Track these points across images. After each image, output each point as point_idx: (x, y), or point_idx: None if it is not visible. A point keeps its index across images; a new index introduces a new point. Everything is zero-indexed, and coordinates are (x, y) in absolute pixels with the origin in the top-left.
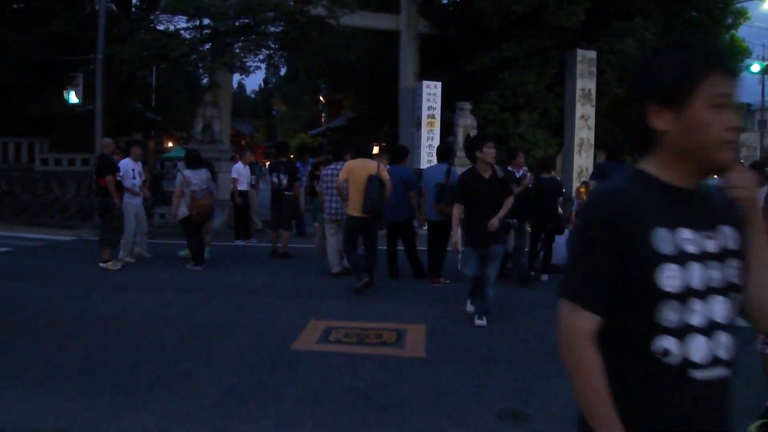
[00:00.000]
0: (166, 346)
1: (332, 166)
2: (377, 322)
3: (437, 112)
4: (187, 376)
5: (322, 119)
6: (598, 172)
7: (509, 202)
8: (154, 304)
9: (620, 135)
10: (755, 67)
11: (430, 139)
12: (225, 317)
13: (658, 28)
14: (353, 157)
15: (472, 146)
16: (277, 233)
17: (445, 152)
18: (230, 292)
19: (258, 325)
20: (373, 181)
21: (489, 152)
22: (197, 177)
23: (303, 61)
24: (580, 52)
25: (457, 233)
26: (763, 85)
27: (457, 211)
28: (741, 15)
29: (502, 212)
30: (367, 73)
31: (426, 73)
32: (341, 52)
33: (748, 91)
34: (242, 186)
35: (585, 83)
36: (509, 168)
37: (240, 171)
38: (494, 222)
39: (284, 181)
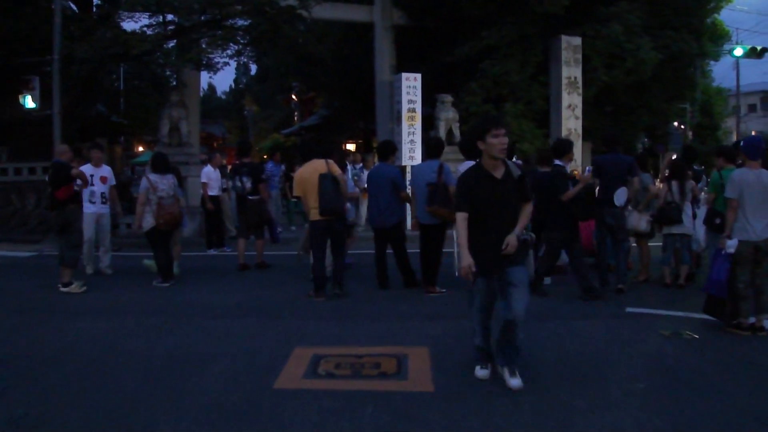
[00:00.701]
0: (123, 391)
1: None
2: (372, 345)
3: (418, 106)
4: None
5: (295, 118)
6: (597, 166)
7: (528, 210)
8: (113, 333)
9: (608, 125)
10: (738, 51)
11: (411, 134)
12: (194, 348)
13: (643, 11)
14: (302, 162)
15: (472, 135)
16: (244, 243)
17: (436, 146)
18: (201, 314)
19: (233, 357)
20: (325, 179)
21: (497, 142)
22: (164, 182)
23: (274, 58)
24: (564, 38)
25: (467, 255)
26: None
27: (462, 224)
28: None
29: (520, 226)
30: (341, 68)
31: (403, 65)
32: (314, 46)
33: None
34: (213, 191)
35: (571, 71)
36: (557, 162)
37: (210, 175)
38: (512, 240)
39: (248, 185)
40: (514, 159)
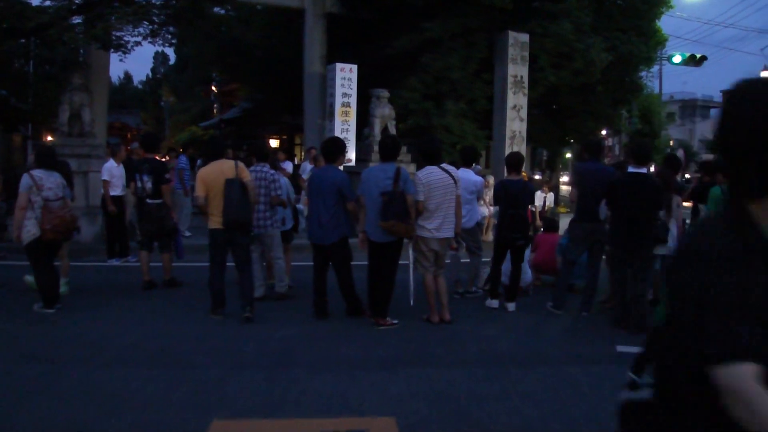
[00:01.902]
0: None
1: (256, 167)
2: (317, 415)
3: (353, 100)
4: None
5: (215, 111)
6: (578, 175)
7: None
8: None
9: (552, 129)
10: (677, 59)
11: (345, 130)
12: (65, 426)
13: (591, 10)
14: (207, 160)
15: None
16: (147, 256)
17: (392, 147)
18: (87, 361)
19: None
20: (232, 185)
21: None
22: (51, 180)
23: (194, 45)
24: (511, 34)
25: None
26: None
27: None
28: (663, 3)
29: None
30: (266, 57)
31: (335, 57)
32: (238, 30)
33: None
34: (116, 190)
35: (517, 69)
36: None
37: (112, 171)
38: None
39: (148, 185)
40: (474, 165)
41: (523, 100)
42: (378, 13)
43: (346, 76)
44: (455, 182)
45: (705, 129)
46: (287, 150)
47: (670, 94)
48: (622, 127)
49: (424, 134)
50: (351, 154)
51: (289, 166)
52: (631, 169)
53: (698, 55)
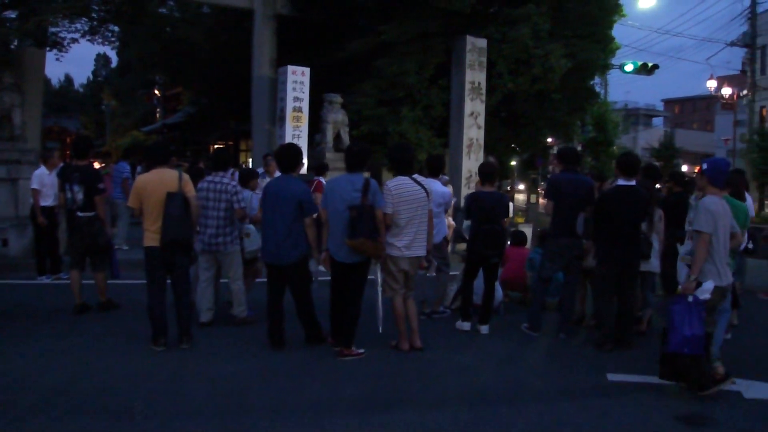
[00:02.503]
0: None
1: (214, 178)
2: None
3: (305, 104)
4: None
5: (157, 115)
6: (554, 187)
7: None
8: None
9: (507, 136)
10: (629, 67)
11: (296, 136)
12: None
13: (548, 16)
14: (148, 167)
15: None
16: (78, 275)
17: (359, 155)
18: None
19: None
20: (174, 200)
21: None
22: None
23: (137, 46)
24: (469, 39)
25: None
26: (606, 87)
27: None
28: (617, 11)
29: None
30: (213, 59)
31: (285, 59)
32: (183, 31)
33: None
34: (47, 200)
35: (475, 75)
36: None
37: (43, 179)
38: None
39: (79, 196)
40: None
41: (480, 107)
42: (330, 15)
43: (297, 80)
44: (427, 195)
45: (649, 137)
46: (233, 157)
47: (613, 102)
48: (576, 135)
49: (392, 141)
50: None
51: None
52: (620, 182)
53: (650, 64)
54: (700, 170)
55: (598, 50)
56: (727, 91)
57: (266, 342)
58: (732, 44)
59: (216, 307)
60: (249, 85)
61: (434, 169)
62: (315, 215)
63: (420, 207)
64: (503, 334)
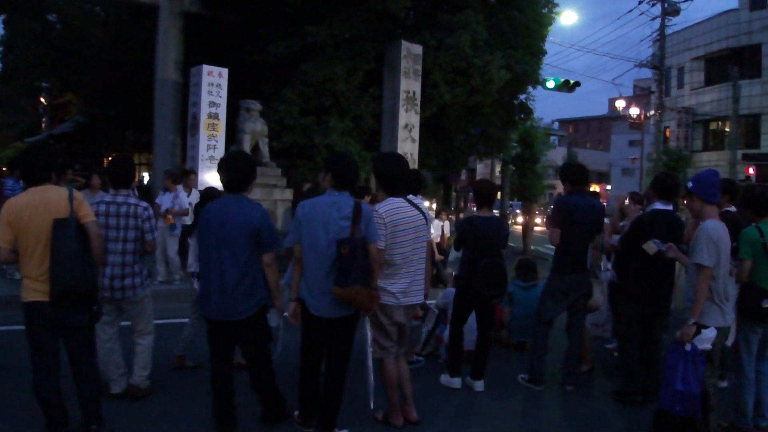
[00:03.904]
0: None
1: (116, 197)
2: None
3: (222, 110)
4: None
5: (43, 125)
6: (564, 212)
7: None
8: None
9: (439, 153)
10: (550, 84)
11: (212, 147)
12: None
13: (485, 25)
14: (28, 184)
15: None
16: None
17: (350, 168)
18: None
19: None
20: (65, 230)
21: None
22: None
23: (22, 50)
24: (405, 44)
25: None
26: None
27: None
28: (549, 23)
29: None
30: (108, 62)
31: (194, 62)
32: (80, 22)
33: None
34: None
35: (410, 84)
36: None
37: None
38: None
39: None
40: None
41: (415, 119)
42: (246, 14)
43: (214, 82)
44: (426, 222)
45: (551, 156)
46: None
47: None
48: (504, 152)
49: (380, 153)
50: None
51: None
52: (658, 206)
53: (572, 81)
54: (687, 192)
55: (534, 63)
56: (635, 111)
57: (211, 424)
58: (641, 65)
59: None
60: (148, 92)
61: (412, 188)
62: (279, 250)
63: (418, 238)
64: (501, 391)
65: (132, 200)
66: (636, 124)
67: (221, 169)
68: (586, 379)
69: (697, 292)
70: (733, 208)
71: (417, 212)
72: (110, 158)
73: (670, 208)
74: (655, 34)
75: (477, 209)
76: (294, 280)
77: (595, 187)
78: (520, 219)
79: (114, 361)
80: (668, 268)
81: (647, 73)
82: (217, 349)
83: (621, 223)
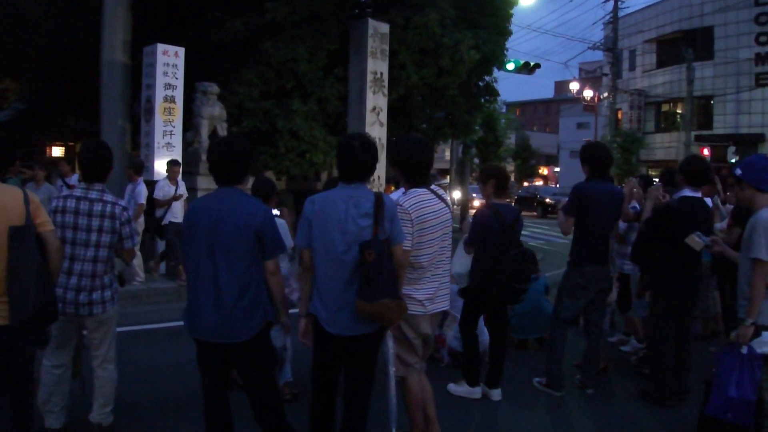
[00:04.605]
0: None
1: (80, 193)
2: None
3: (179, 93)
4: None
5: None
6: (581, 200)
7: None
8: None
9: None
10: (510, 66)
11: (168, 134)
12: None
13: (450, 2)
14: None
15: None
16: None
17: (361, 153)
18: None
19: None
20: (24, 241)
21: None
22: None
23: None
24: (371, 23)
25: None
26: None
27: None
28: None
29: None
30: (50, 45)
31: (143, 42)
32: (18, 1)
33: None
34: None
35: (377, 65)
36: None
37: None
38: None
39: None
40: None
41: (383, 102)
42: None
43: (170, 62)
44: (452, 216)
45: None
46: (103, 158)
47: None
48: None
49: (399, 134)
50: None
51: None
52: (687, 193)
53: (532, 63)
54: (736, 180)
55: (501, 43)
56: (588, 93)
57: None
58: (594, 47)
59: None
60: (95, 75)
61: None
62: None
63: (445, 235)
64: (520, 398)
65: (108, 197)
66: (590, 107)
67: (214, 157)
68: (603, 380)
69: (755, 289)
70: None
71: (443, 205)
72: (83, 143)
73: (699, 194)
74: (607, 17)
75: (495, 196)
76: (304, 291)
77: (543, 170)
78: (477, 203)
79: (62, 390)
80: (696, 260)
81: (593, 56)
82: (212, 377)
83: (630, 206)
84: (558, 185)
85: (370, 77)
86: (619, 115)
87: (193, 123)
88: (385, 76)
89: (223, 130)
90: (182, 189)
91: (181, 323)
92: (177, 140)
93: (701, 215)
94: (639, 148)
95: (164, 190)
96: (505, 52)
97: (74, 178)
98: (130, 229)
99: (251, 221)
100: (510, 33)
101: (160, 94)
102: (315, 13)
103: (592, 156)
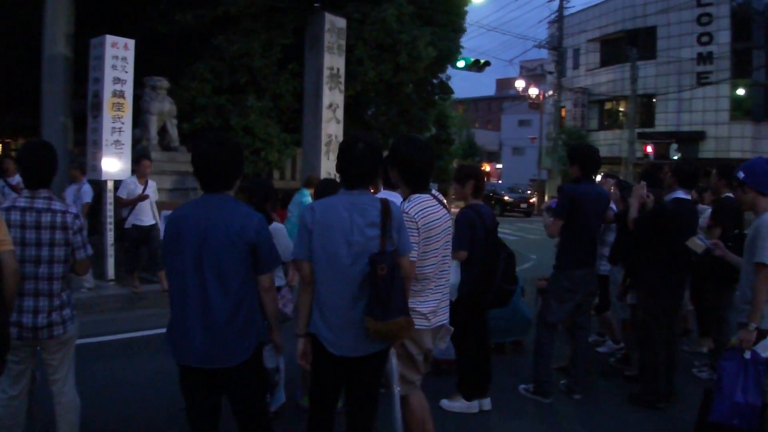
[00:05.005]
0: None
1: (24, 202)
2: None
3: (128, 88)
4: None
5: None
6: (570, 201)
7: None
8: None
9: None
10: (461, 63)
11: (117, 131)
12: None
13: None
14: None
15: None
16: None
17: (371, 153)
18: None
19: None
20: None
21: None
22: None
23: None
24: (328, 17)
25: None
26: None
27: None
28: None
29: None
30: None
31: (87, 35)
32: None
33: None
34: None
35: (334, 61)
36: None
37: None
38: None
39: None
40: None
41: (339, 98)
42: None
43: (119, 55)
44: (452, 222)
45: None
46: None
47: None
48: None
49: (399, 133)
50: (126, 165)
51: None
52: (680, 194)
53: (482, 61)
54: (738, 183)
55: (456, 40)
56: (534, 91)
57: None
58: (540, 46)
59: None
60: (34, 69)
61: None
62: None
63: (447, 243)
64: (509, 407)
65: (57, 205)
66: (535, 105)
67: (202, 160)
68: (588, 384)
69: (759, 293)
70: (732, 194)
71: (445, 211)
72: (23, 145)
73: (689, 197)
74: (553, 15)
75: (473, 197)
76: (302, 308)
77: (486, 167)
78: None
79: (19, 423)
80: (686, 260)
81: (534, 54)
82: (201, 407)
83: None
84: (501, 182)
85: (326, 73)
86: (563, 113)
87: (141, 120)
88: (342, 72)
89: (173, 127)
90: (151, 189)
91: (138, 334)
92: (126, 137)
93: (691, 217)
94: None
95: (128, 188)
96: (461, 49)
97: (17, 178)
98: (82, 238)
99: (244, 232)
100: (464, 30)
101: (108, 88)
102: (271, 5)
103: (583, 157)
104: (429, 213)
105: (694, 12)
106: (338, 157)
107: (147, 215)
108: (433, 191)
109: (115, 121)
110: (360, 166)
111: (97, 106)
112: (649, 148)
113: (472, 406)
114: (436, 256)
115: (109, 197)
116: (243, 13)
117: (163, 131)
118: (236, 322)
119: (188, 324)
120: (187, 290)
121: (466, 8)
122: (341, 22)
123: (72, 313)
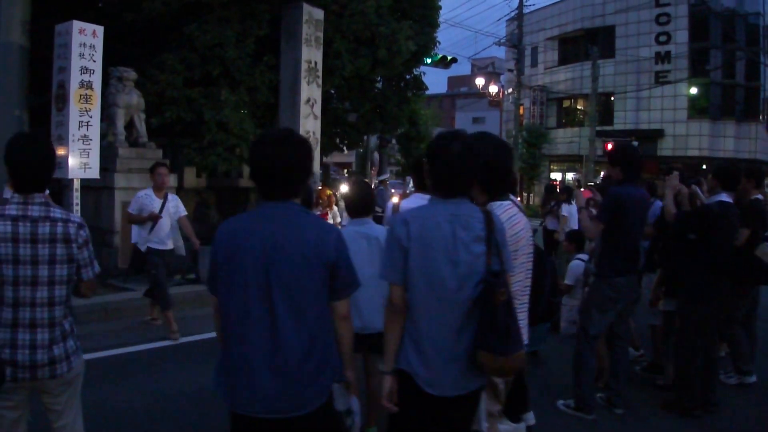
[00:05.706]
0: None
1: (14, 210)
2: None
3: (97, 78)
4: None
5: None
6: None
7: None
8: None
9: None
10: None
11: (85, 125)
12: None
13: None
14: None
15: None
16: None
17: (469, 157)
18: None
19: None
20: None
21: None
22: None
23: None
24: (306, 8)
25: None
26: None
27: None
28: None
29: None
30: None
31: (46, 23)
32: None
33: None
34: None
35: (311, 54)
36: None
37: None
38: None
39: None
40: None
41: (317, 93)
42: None
43: (87, 42)
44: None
45: None
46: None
47: None
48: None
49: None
50: (94, 162)
51: None
52: (723, 197)
53: (449, 57)
54: None
55: (431, 34)
56: (494, 88)
57: None
58: (499, 44)
59: None
60: None
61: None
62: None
63: (530, 255)
64: (553, 426)
65: (57, 213)
66: (495, 102)
67: (262, 161)
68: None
69: None
70: (760, 196)
71: (527, 220)
72: (10, 142)
73: (731, 200)
74: (512, 13)
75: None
76: (390, 340)
77: None
78: (395, 199)
79: None
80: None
81: (486, 52)
82: None
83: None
84: None
85: (304, 66)
86: (521, 111)
87: (107, 113)
88: (320, 66)
89: (141, 121)
90: (173, 206)
91: (118, 351)
92: (95, 132)
93: (735, 220)
94: (543, 142)
95: (140, 203)
96: (437, 44)
97: None
98: (89, 253)
99: (322, 250)
100: (438, 25)
101: (75, 79)
102: None
103: (627, 158)
104: (514, 222)
105: (652, 12)
106: (430, 161)
107: (165, 236)
108: (511, 197)
109: (83, 115)
110: (458, 169)
111: (63, 98)
112: (610, 146)
113: (520, 428)
114: (522, 272)
115: (75, 197)
116: (215, 1)
117: (130, 126)
118: (312, 360)
119: (253, 365)
120: (250, 323)
121: (440, 3)
122: (319, 14)
123: (76, 345)
